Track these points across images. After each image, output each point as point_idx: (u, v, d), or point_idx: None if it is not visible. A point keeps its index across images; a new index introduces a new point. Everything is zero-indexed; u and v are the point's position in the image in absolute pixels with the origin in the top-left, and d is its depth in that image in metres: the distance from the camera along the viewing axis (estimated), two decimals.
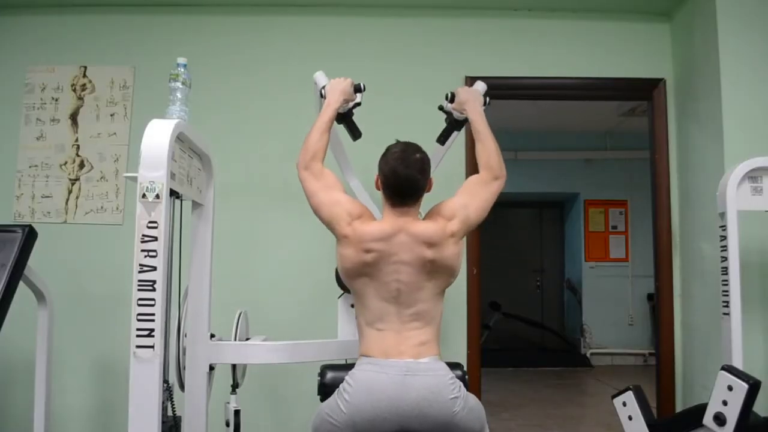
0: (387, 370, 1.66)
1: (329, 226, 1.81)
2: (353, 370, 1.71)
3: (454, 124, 2.20)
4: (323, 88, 2.07)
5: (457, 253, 1.78)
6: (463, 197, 1.87)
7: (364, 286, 1.75)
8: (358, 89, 2.09)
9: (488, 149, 1.93)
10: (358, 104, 2.15)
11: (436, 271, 1.75)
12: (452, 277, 1.80)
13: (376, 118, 3.14)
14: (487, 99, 2.12)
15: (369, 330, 1.76)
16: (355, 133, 2.20)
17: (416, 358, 1.69)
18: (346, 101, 2.06)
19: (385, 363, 1.68)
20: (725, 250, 2.22)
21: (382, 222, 1.79)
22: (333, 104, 1.99)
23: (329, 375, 1.95)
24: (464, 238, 1.84)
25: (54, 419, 2.69)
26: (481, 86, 2.18)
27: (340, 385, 1.70)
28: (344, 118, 2.14)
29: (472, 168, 3.09)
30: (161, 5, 3.19)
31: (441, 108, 2.22)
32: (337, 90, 2.01)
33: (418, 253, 1.72)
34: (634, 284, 6.84)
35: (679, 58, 3.13)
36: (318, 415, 1.73)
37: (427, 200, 1.88)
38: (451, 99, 2.10)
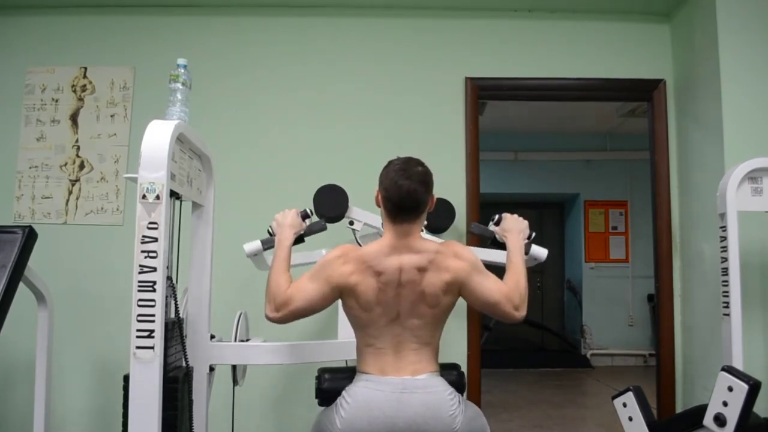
0: (383, 387, 1.65)
1: (340, 293, 1.71)
2: (350, 386, 1.70)
3: (492, 242, 2.10)
4: (269, 232, 1.99)
5: (442, 288, 1.69)
6: (485, 271, 1.77)
7: (375, 315, 1.70)
8: (305, 216, 2.00)
9: (517, 282, 1.79)
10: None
11: (424, 299, 1.69)
12: (439, 311, 1.72)
13: (377, 119, 3.16)
14: (533, 234, 2.04)
15: (367, 348, 1.74)
16: (321, 229, 2.08)
17: (413, 375, 1.67)
18: (297, 233, 1.95)
19: (381, 380, 1.66)
20: (725, 251, 2.21)
21: (380, 242, 1.73)
22: (285, 241, 1.89)
23: (326, 379, 1.95)
24: (454, 301, 1.75)
25: (54, 419, 2.69)
26: (542, 253, 2.12)
27: (338, 399, 1.69)
28: (301, 240, 2.02)
29: (473, 175, 3.10)
30: (161, 6, 3.19)
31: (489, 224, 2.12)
32: (285, 226, 1.92)
33: (413, 278, 1.67)
34: (634, 285, 6.84)
35: (679, 59, 3.13)
36: (318, 423, 1.73)
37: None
38: (497, 222, 2.03)
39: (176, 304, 1.85)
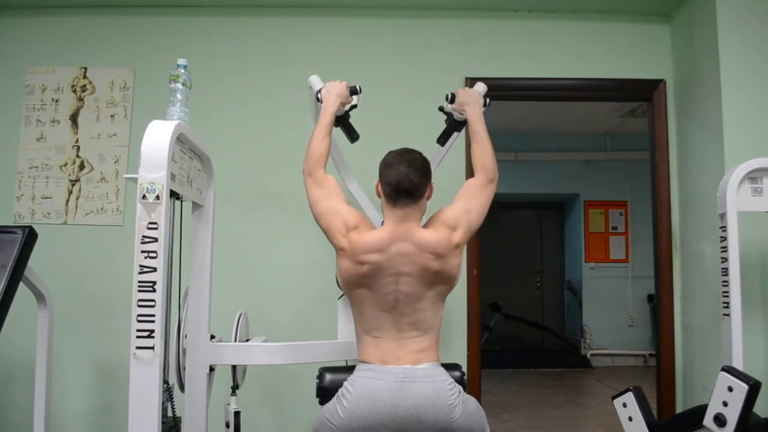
0: (384, 376, 1.66)
1: (327, 235, 1.81)
2: (352, 376, 1.71)
3: (454, 125, 2.21)
4: (319, 92, 2.09)
5: (459, 263, 1.78)
6: (464, 202, 1.86)
7: (363, 296, 1.74)
8: (354, 91, 2.09)
9: (485, 151, 1.95)
10: (355, 106, 2.15)
11: (439, 281, 1.73)
12: (452, 286, 1.79)
13: (377, 119, 3.15)
14: (487, 100, 2.13)
15: (367, 337, 1.75)
16: (352, 135, 2.21)
17: (414, 364, 1.69)
18: (343, 104, 2.07)
19: (382, 369, 1.68)
20: (725, 251, 2.21)
21: (381, 230, 1.76)
22: (330, 107, 2.00)
23: (327, 378, 1.95)
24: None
25: (54, 420, 2.69)
26: (481, 87, 2.18)
27: (339, 390, 1.70)
28: (341, 121, 2.14)
29: (471, 170, 3.09)
30: (161, 6, 3.19)
31: (441, 109, 2.23)
32: (333, 93, 2.03)
33: (421, 264, 1.70)
34: (635, 285, 6.84)
35: (679, 59, 3.13)
36: (318, 417, 1.74)
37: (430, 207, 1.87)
38: (451, 100, 2.11)
39: (173, 407, 1.84)
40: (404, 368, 1.67)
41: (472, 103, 2.06)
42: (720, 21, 2.72)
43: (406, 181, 1.72)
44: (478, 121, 2.01)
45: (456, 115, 2.14)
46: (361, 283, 1.72)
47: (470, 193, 1.89)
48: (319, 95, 2.08)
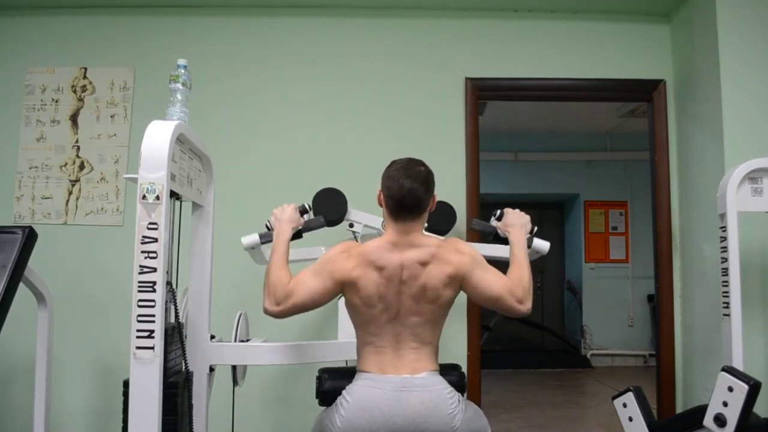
0: (382, 385, 1.65)
1: (342, 288, 1.73)
2: (350, 385, 1.71)
3: (494, 237, 2.08)
4: (267, 223, 1.99)
5: (445, 283, 1.70)
6: (488, 266, 1.78)
7: (378, 311, 1.70)
8: (304, 211, 2.00)
9: (520, 276, 1.78)
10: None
11: (425, 296, 1.69)
12: (439, 308, 1.73)
13: (377, 119, 3.16)
14: (535, 229, 2.02)
15: (367, 348, 1.74)
16: (319, 225, 2.07)
17: (413, 373, 1.68)
18: (295, 228, 1.94)
19: (380, 378, 1.67)
20: (725, 251, 2.21)
21: (381, 239, 1.75)
22: (283, 236, 1.88)
23: (327, 379, 1.95)
24: (455, 294, 1.75)
25: (54, 420, 2.69)
26: (543, 245, 2.08)
27: (338, 398, 1.70)
28: (299, 234, 2.00)
29: (473, 175, 3.10)
30: (161, 6, 3.19)
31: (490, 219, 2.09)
32: (284, 221, 1.91)
33: (414, 272, 1.69)
34: (635, 285, 6.84)
35: (679, 59, 3.13)
36: (319, 422, 1.74)
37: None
38: (499, 217, 2.01)
39: (176, 309, 1.85)
40: (403, 377, 1.67)
41: (519, 227, 1.94)
42: (720, 21, 2.72)
43: (410, 197, 1.71)
44: (520, 246, 1.88)
45: (500, 232, 2.01)
46: (380, 295, 1.69)
47: (495, 273, 1.77)
48: (268, 224, 1.99)
